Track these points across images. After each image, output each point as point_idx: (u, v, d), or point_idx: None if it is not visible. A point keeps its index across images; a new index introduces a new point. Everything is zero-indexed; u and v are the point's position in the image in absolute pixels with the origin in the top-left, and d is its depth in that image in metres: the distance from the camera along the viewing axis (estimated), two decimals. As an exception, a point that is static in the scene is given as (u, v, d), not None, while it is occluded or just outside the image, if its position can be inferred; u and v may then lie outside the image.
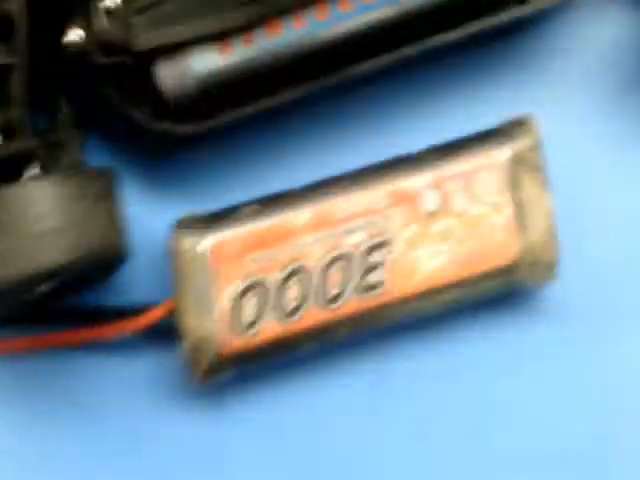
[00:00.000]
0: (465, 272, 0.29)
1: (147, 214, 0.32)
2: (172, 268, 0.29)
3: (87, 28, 0.28)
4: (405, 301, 0.29)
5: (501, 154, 0.29)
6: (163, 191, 0.32)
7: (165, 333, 0.30)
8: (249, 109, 0.29)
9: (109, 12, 0.28)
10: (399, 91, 0.32)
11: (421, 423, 0.31)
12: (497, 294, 0.30)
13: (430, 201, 0.29)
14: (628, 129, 0.32)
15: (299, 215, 0.29)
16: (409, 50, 0.29)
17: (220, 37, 0.28)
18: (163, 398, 0.31)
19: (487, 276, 0.29)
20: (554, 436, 0.31)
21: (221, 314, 0.29)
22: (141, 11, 0.28)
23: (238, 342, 0.29)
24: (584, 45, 0.32)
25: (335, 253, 0.29)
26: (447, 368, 0.31)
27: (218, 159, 0.32)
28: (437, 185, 0.29)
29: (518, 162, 0.29)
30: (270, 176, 0.32)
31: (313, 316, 0.29)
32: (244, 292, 0.29)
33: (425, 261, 0.29)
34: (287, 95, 0.29)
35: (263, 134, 0.32)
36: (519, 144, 0.29)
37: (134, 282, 0.32)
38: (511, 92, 0.32)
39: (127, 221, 0.32)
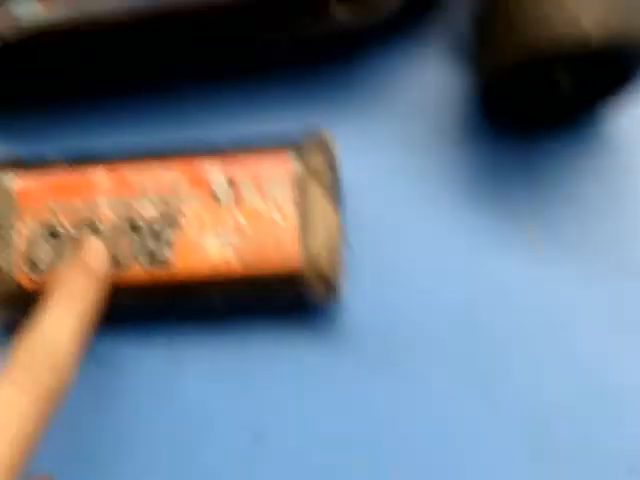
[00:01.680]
0: (247, 265, 0.30)
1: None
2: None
3: None
4: (189, 282, 0.31)
5: (294, 162, 0.31)
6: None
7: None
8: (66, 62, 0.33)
9: None
10: (224, 85, 0.35)
11: (202, 421, 0.33)
12: (287, 302, 0.32)
13: (222, 192, 0.31)
14: (425, 166, 0.35)
15: (97, 176, 0.31)
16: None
17: None
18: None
19: (268, 273, 0.30)
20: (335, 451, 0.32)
21: (18, 251, 0.31)
22: None
23: (29, 280, 0.31)
24: (401, 84, 0.35)
25: (126, 221, 0.31)
26: (237, 368, 0.33)
27: (44, 112, 0.35)
28: (232, 179, 0.31)
29: (307, 172, 0.31)
30: (82, 137, 0.35)
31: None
32: (39, 234, 0.31)
33: (211, 246, 0.31)
34: (106, 59, 0.33)
35: (90, 98, 0.35)
36: (310, 156, 0.31)
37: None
38: (324, 113, 0.35)
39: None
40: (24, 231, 0.31)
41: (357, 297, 0.33)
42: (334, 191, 0.31)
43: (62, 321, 0.28)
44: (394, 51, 0.35)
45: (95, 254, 0.30)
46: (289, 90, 0.35)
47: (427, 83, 0.35)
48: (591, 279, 0.33)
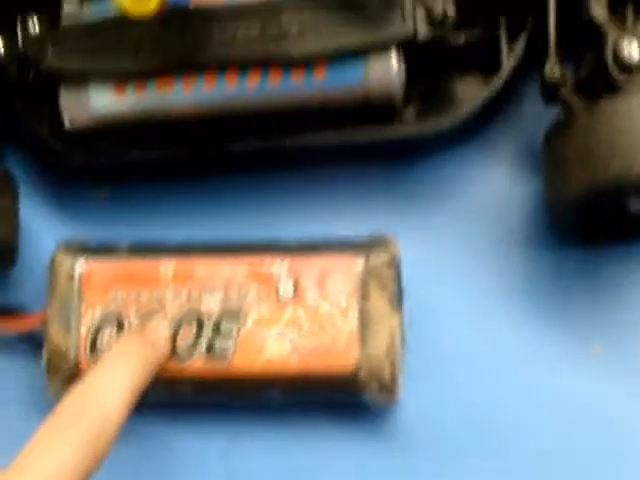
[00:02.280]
0: (305, 363, 0.31)
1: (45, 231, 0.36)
2: (48, 283, 0.32)
3: (7, 43, 0.34)
4: (248, 375, 0.31)
5: (356, 262, 0.31)
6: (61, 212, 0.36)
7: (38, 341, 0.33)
8: (138, 154, 0.34)
9: (29, 35, 0.34)
10: (291, 184, 0.36)
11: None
12: (342, 401, 0.32)
13: (285, 288, 0.32)
14: (490, 276, 0.34)
15: (164, 267, 0.32)
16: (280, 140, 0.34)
17: (116, 79, 0.33)
18: (24, 404, 0.34)
19: (326, 373, 0.31)
20: None
21: (80, 334, 0.32)
22: (55, 42, 0.33)
23: (88, 362, 0.31)
24: (466, 188, 0.35)
25: (189, 312, 0.32)
26: (292, 463, 0.33)
27: (117, 198, 0.36)
28: (294, 275, 0.32)
29: (370, 274, 0.31)
30: (152, 227, 0.36)
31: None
32: (103, 320, 0.32)
33: (271, 342, 0.31)
34: (176, 151, 0.34)
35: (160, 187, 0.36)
36: (374, 258, 0.31)
37: (24, 289, 0.35)
38: (387, 214, 0.35)
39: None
40: (87, 315, 0.32)
41: (412, 396, 0.33)
42: (396, 293, 0.31)
43: (112, 377, 0.28)
44: (461, 153, 0.35)
45: (156, 328, 0.31)
46: (353, 190, 0.36)
47: (492, 188, 0.35)
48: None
